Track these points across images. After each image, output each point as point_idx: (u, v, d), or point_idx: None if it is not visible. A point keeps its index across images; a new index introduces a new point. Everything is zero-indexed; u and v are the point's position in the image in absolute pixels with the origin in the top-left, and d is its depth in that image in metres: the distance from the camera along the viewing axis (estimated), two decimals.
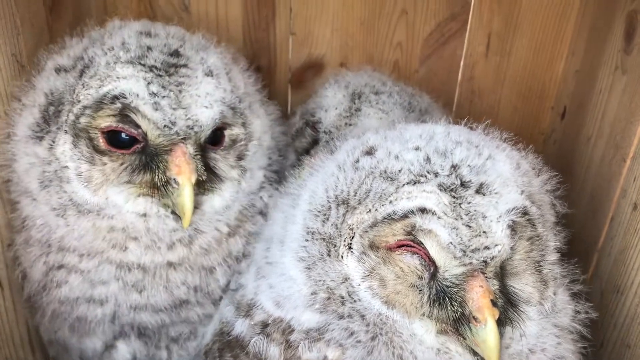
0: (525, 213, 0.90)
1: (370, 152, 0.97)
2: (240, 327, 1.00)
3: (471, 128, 1.03)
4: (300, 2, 1.61)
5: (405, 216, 0.87)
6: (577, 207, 1.41)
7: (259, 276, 1.03)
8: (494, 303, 0.86)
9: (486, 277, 0.87)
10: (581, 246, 1.35)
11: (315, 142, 1.40)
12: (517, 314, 0.92)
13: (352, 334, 0.91)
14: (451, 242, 0.85)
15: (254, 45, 1.66)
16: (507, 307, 0.91)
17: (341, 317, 0.92)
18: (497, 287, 0.88)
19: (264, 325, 0.97)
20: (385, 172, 0.92)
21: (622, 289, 1.17)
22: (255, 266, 1.06)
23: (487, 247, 0.86)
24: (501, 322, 0.89)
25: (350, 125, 1.36)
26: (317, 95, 1.48)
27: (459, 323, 0.88)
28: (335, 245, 0.93)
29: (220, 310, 1.15)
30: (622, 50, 1.29)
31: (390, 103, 1.39)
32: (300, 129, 1.44)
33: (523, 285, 0.93)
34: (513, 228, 0.87)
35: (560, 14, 1.57)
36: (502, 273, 0.91)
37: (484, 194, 0.88)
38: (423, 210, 0.87)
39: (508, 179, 0.90)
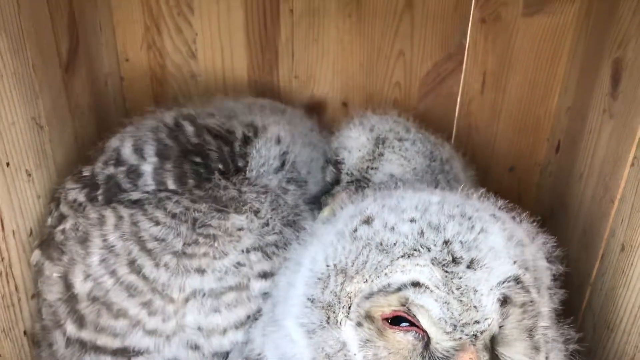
0: (517, 281, 0.93)
1: (367, 221, 1.00)
2: None
3: (467, 195, 1.06)
4: (301, 48, 1.68)
5: (399, 289, 0.90)
6: (571, 240, 1.46)
7: (265, 332, 1.07)
8: None
9: (476, 349, 0.89)
10: (575, 279, 1.40)
11: (336, 182, 1.42)
12: None
13: None
14: (442, 317, 0.88)
15: (259, 88, 1.73)
16: None
17: None
18: (486, 358, 0.90)
19: None
20: (381, 244, 0.95)
21: (611, 326, 1.23)
22: (263, 321, 1.10)
23: (477, 322, 0.88)
24: None
25: (372, 169, 1.39)
26: (340, 135, 1.49)
27: None
28: (334, 312, 0.96)
29: None
30: (609, 94, 1.33)
31: (413, 151, 1.41)
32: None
33: (514, 353, 0.94)
34: (503, 301, 0.90)
35: (551, 54, 1.62)
36: (493, 342, 0.93)
37: (475, 269, 0.90)
38: (416, 284, 0.89)
39: (500, 252, 0.93)
